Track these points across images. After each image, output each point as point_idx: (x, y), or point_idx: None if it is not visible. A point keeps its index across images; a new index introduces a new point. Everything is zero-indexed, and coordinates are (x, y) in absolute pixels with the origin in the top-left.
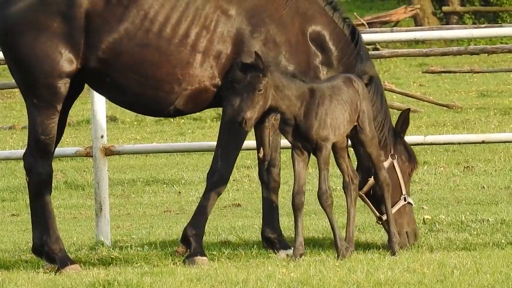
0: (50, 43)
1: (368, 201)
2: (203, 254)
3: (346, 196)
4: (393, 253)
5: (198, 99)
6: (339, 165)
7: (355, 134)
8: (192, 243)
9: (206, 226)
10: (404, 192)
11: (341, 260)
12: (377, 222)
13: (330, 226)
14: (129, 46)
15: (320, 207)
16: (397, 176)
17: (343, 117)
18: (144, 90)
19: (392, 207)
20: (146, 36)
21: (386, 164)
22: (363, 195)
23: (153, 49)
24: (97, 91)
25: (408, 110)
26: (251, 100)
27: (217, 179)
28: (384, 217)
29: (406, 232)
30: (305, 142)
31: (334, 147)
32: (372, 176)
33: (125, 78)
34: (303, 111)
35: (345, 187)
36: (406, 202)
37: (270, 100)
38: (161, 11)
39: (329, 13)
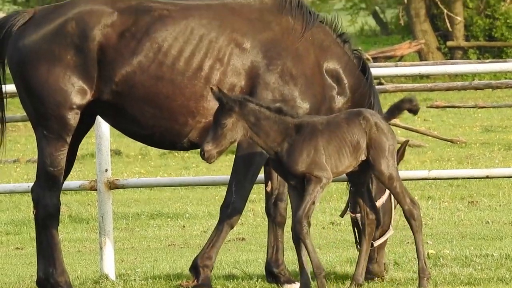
0: (63, 75)
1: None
2: (210, 287)
3: (361, 231)
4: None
5: None
6: (355, 199)
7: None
8: (201, 273)
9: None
10: (392, 222)
11: None
12: (357, 249)
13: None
14: (143, 79)
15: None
16: (391, 205)
17: (340, 154)
18: (158, 122)
19: (383, 235)
20: (160, 69)
21: (386, 193)
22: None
23: (166, 81)
24: (109, 123)
25: (407, 142)
26: (214, 133)
27: (231, 211)
28: (376, 243)
29: (384, 264)
30: (292, 177)
31: (349, 181)
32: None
33: (139, 111)
34: (285, 147)
35: (360, 222)
36: (391, 232)
37: (242, 133)
38: (175, 44)
39: (341, 45)
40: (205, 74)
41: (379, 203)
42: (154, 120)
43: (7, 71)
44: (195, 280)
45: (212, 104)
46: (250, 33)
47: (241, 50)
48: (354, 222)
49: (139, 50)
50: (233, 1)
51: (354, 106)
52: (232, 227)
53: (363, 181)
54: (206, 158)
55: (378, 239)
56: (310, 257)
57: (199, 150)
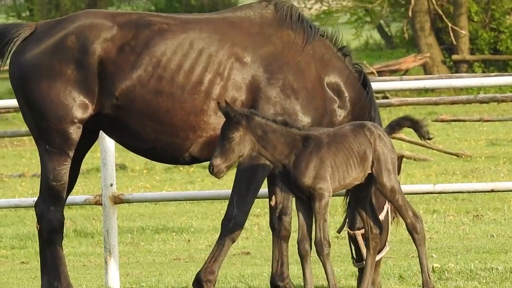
0: (64, 89)
1: (362, 241)
2: None
3: (365, 246)
4: None
5: (213, 146)
6: (358, 213)
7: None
8: None
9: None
10: (388, 238)
11: None
12: (355, 263)
13: (326, 275)
14: (143, 93)
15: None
16: (389, 222)
17: (347, 165)
18: (159, 136)
19: (379, 252)
20: (159, 83)
21: (384, 210)
22: (359, 235)
23: (166, 96)
24: (111, 137)
25: (402, 157)
26: (222, 148)
27: (233, 225)
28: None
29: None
30: (298, 190)
31: (352, 195)
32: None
33: (140, 125)
34: (292, 159)
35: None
36: (388, 248)
37: (250, 146)
38: (174, 58)
39: (342, 59)
40: (205, 88)
41: None
42: (155, 135)
43: (10, 86)
44: None
45: (213, 119)
46: (250, 47)
47: (241, 64)
48: (352, 239)
49: (139, 64)
50: (234, 15)
51: (355, 119)
52: (233, 241)
53: (365, 195)
54: (215, 173)
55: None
56: (328, 279)
57: (204, 164)
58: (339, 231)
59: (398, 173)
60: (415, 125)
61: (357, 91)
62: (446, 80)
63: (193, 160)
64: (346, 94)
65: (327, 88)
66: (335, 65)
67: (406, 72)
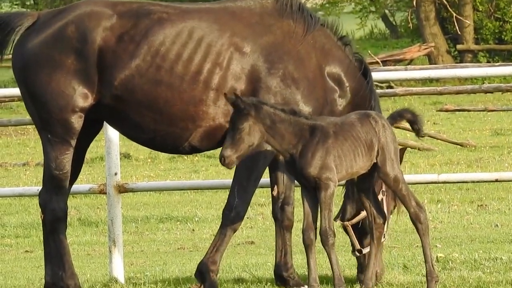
0: (64, 79)
1: (352, 233)
2: None
3: (369, 235)
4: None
5: (212, 136)
6: (362, 203)
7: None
8: (206, 279)
9: (220, 263)
10: (385, 229)
11: None
12: (352, 253)
13: (330, 265)
14: (142, 83)
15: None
16: (388, 214)
17: (355, 153)
18: (158, 127)
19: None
20: (158, 73)
21: (383, 203)
22: (349, 226)
23: (165, 86)
24: (112, 127)
25: (404, 149)
26: (232, 139)
27: (234, 215)
28: (365, 251)
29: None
30: (304, 180)
31: (356, 185)
32: (364, 210)
33: (139, 115)
34: (299, 149)
35: (368, 226)
36: (385, 239)
37: (259, 136)
38: (172, 48)
39: (342, 48)
40: (204, 78)
41: None
42: (155, 125)
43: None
44: (201, 286)
45: (212, 109)
46: (250, 37)
47: (241, 54)
48: (345, 229)
49: (137, 54)
50: (234, 4)
51: (355, 109)
52: (235, 231)
53: (368, 186)
54: (226, 164)
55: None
56: (332, 269)
57: (208, 153)
58: (335, 219)
59: (400, 163)
60: (414, 119)
61: (358, 81)
62: (450, 70)
63: (193, 149)
64: (347, 84)
65: (327, 78)
66: (336, 55)
67: (411, 61)
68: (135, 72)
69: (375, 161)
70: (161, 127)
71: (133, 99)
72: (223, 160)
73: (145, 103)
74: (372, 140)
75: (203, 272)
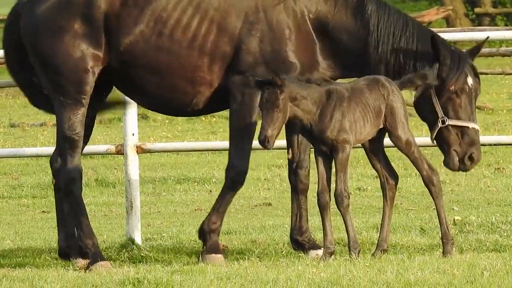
0: (73, 43)
1: None
2: (218, 252)
3: (383, 196)
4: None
5: (214, 100)
6: (373, 166)
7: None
8: (208, 240)
9: (235, 225)
10: (440, 115)
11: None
12: None
13: (345, 227)
14: (145, 49)
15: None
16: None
17: (364, 120)
18: (161, 91)
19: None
20: (160, 39)
21: None
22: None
23: (166, 52)
24: (120, 91)
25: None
26: (271, 118)
27: (235, 174)
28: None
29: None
30: (322, 143)
31: (365, 149)
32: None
33: (143, 80)
34: (318, 114)
35: (381, 187)
36: (446, 124)
37: (289, 112)
38: (173, 14)
39: None
40: (199, 44)
41: None
42: (158, 89)
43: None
44: (204, 246)
45: (207, 74)
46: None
47: (229, 18)
48: None
49: (141, 19)
50: None
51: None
52: (237, 190)
53: (378, 148)
54: (270, 144)
55: None
56: (347, 231)
57: (225, 114)
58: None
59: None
60: (425, 85)
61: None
62: (468, 33)
63: (198, 112)
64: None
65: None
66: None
67: (429, 24)
68: (139, 38)
69: (385, 125)
70: (164, 92)
71: (138, 64)
72: (266, 141)
73: (148, 68)
74: (380, 107)
75: (205, 233)
